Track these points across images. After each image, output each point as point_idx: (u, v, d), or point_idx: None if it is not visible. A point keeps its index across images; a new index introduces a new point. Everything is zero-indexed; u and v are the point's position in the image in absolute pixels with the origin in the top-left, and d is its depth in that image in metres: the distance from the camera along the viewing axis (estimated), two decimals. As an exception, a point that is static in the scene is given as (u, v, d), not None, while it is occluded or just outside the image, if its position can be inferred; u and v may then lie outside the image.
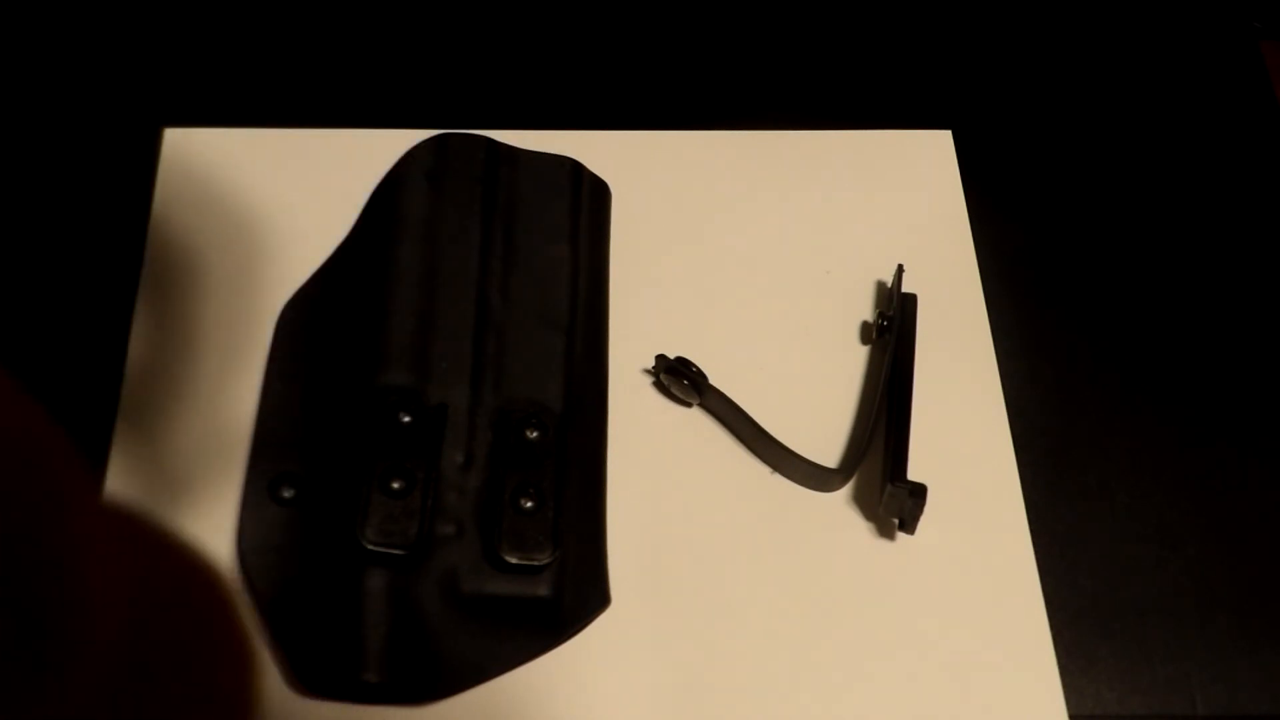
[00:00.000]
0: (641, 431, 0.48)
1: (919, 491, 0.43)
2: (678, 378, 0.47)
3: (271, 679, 0.42)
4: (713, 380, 0.47)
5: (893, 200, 0.54)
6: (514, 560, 0.42)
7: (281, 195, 0.52)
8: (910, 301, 0.49)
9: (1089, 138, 0.57)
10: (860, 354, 0.50)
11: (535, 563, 0.42)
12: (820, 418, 0.48)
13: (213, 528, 0.44)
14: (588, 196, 0.52)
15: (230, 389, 0.47)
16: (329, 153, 0.53)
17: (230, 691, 0.28)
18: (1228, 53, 0.60)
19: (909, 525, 0.44)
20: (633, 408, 0.48)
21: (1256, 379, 0.51)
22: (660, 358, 0.48)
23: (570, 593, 0.43)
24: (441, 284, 0.47)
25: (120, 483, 0.45)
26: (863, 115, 0.57)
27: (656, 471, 0.47)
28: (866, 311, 0.51)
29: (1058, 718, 0.43)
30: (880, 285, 0.52)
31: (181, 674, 0.26)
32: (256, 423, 0.46)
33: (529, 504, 0.43)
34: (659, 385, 0.49)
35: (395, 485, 0.42)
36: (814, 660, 0.43)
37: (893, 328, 0.49)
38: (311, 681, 0.41)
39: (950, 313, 0.51)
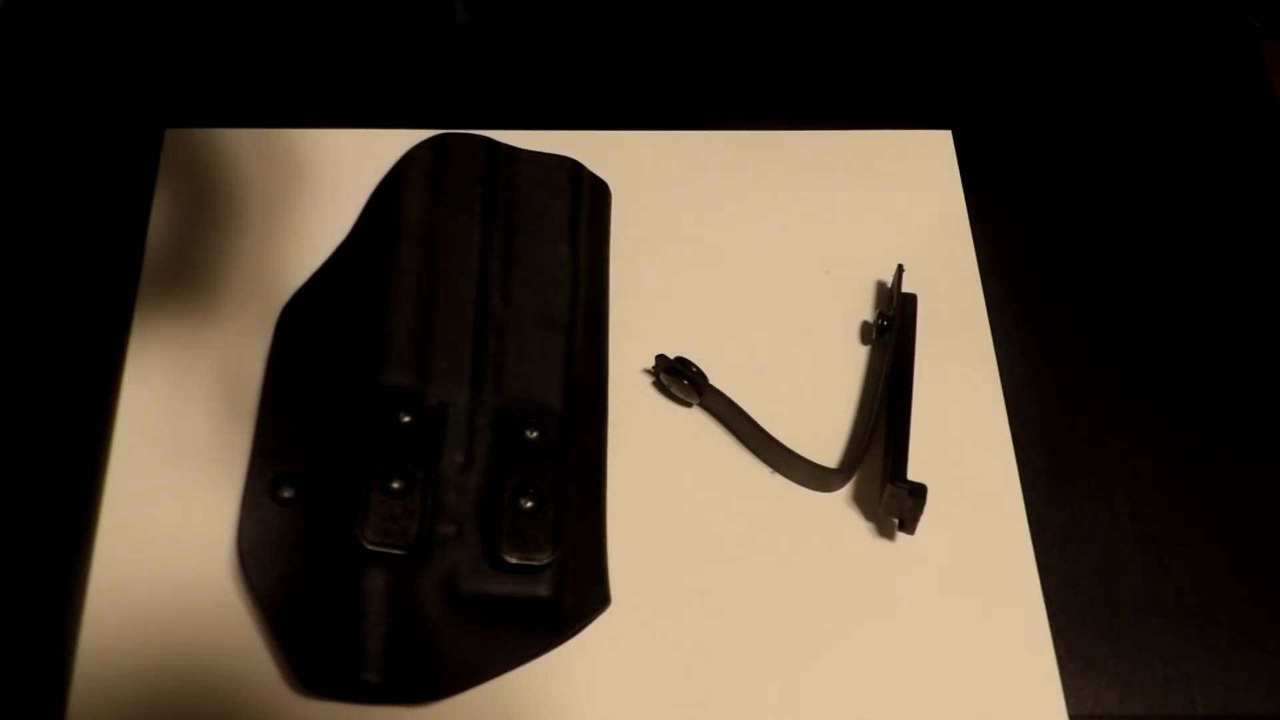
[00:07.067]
0: (641, 431, 0.48)
1: (919, 491, 0.43)
2: (678, 378, 0.47)
3: (271, 679, 0.42)
4: (713, 380, 0.47)
5: (893, 200, 0.54)
6: (514, 560, 0.42)
7: (281, 195, 0.52)
8: (910, 301, 0.49)
9: (1089, 138, 0.57)
10: (860, 354, 0.50)
11: (535, 563, 0.42)
12: (820, 418, 0.48)
13: (213, 528, 0.44)
14: (588, 196, 0.52)
15: (230, 389, 0.47)
16: (329, 153, 0.53)
17: None
18: (1228, 53, 0.60)
19: (909, 525, 0.44)
20: (633, 408, 0.48)
21: (1257, 379, 0.51)
22: (660, 358, 0.48)
23: (570, 593, 0.43)
24: (441, 284, 0.47)
25: (121, 483, 0.45)
26: (863, 115, 0.57)
27: (656, 471, 0.47)
28: (866, 311, 0.51)
29: (1058, 718, 0.43)
30: (880, 285, 0.52)
31: None
32: (257, 422, 0.46)
33: (529, 504, 0.43)
34: (659, 385, 0.49)
35: (395, 485, 0.42)
36: (814, 660, 0.43)
37: (893, 328, 0.49)
38: (311, 681, 0.41)
39: (950, 313, 0.51)
